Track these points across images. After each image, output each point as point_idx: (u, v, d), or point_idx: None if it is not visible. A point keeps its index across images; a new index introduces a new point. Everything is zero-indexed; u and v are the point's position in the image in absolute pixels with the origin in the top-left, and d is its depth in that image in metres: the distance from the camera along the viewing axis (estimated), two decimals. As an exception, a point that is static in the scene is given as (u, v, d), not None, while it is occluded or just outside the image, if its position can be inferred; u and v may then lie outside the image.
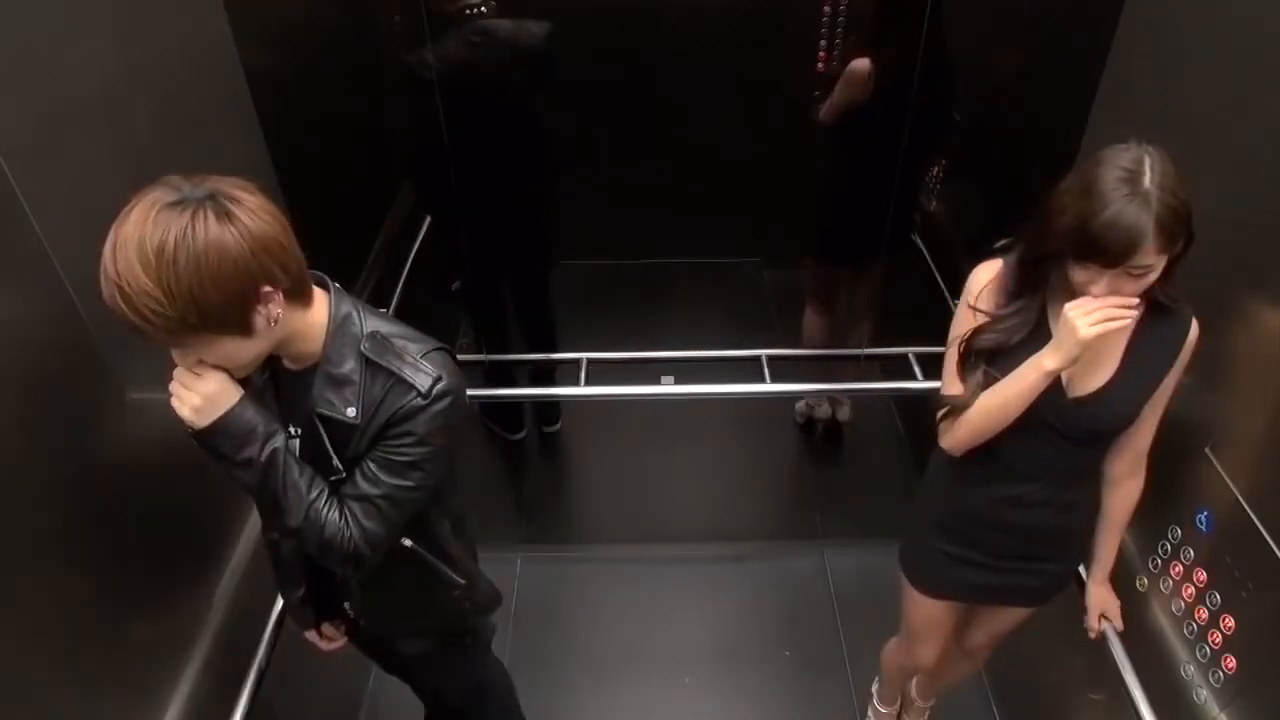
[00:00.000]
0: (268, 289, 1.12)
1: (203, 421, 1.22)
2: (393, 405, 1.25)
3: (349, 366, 1.26)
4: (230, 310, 1.10)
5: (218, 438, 1.23)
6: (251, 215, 1.09)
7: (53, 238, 1.29)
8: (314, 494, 1.30)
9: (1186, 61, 1.71)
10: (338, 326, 1.27)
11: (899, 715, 2.45)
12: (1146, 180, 1.27)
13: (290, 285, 1.17)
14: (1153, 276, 1.33)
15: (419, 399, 1.25)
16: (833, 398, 3.24)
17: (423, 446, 1.28)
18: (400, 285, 2.57)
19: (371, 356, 1.27)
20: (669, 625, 2.74)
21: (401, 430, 1.26)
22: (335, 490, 1.32)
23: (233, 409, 1.22)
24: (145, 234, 1.04)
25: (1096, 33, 1.94)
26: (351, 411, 1.26)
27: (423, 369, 1.26)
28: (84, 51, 1.40)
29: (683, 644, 2.69)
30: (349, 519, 1.31)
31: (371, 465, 1.30)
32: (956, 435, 1.57)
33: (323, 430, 1.29)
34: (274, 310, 1.15)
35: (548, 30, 2.42)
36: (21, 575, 1.28)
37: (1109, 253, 1.28)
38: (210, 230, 1.05)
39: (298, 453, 1.34)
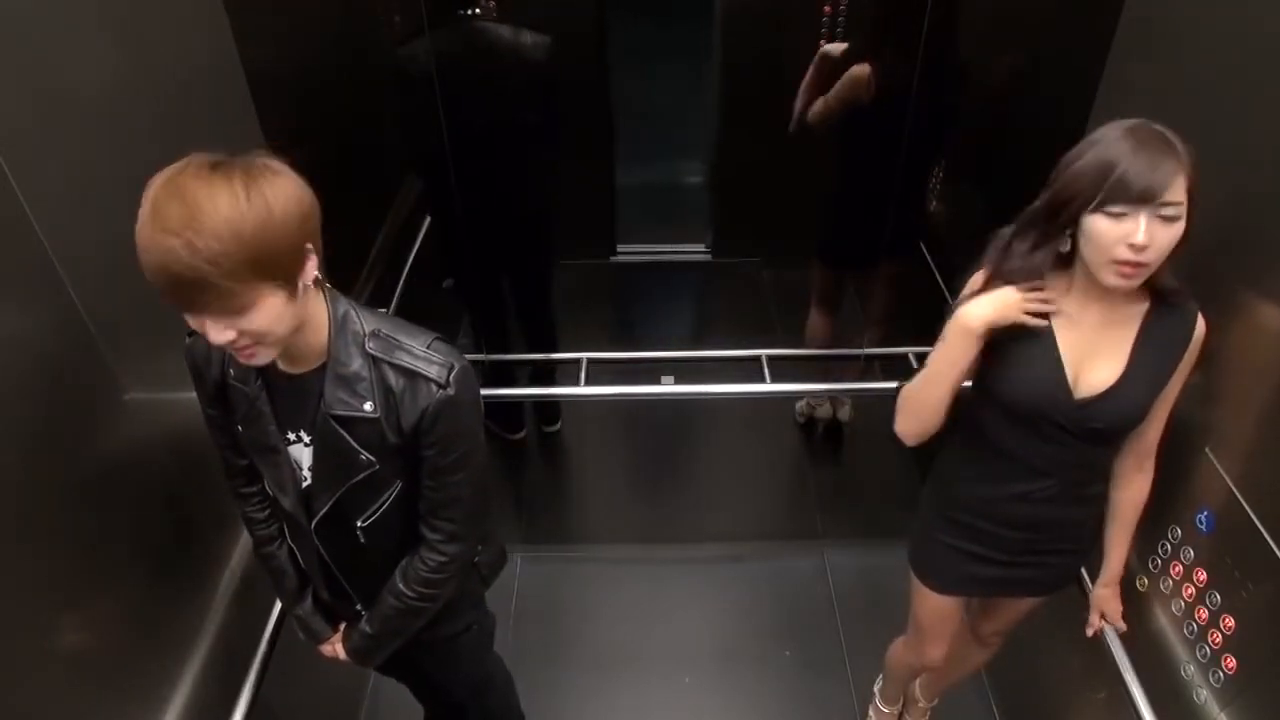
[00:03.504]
0: (309, 246, 1.14)
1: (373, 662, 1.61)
2: (418, 403, 1.27)
3: (357, 364, 1.27)
4: (288, 257, 1.10)
5: (386, 649, 1.57)
6: (293, 177, 1.13)
7: (53, 238, 1.29)
8: (410, 593, 1.45)
9: (1186, 62, 1.72)
10: (339, 325, 1.28)
11: (901, 715, 2.45)
12: (1157, 125, 1.31)
13: (319, 256, 1.18)
14: (1179, 228, 1.31)
15: (440, 390, 1.27)
16: (833, 397, 3.24)
17: (467, 431, 1.34)
18: (400, 285, 2.57)
19: (379, 355, 1.28)
20: (669, 625, 2.74)
21: (441, 429, 1.29)
22: (378, 479, 1.34)
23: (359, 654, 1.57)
24: (204, 179, 1.04)
25: (1096, 33, 1.94)
26: (369, 406, 1.27)
27: (433, 359, 1.29)
28: (84, 51, 1.40)
29: (683, 644, 2.69)
30: (440, 541, 1.42)
31: (436, 473, 1.35)
32: (900, 416, 1.62)
33: (342, 430, 1.29)
34: (311, 272, 1.16)
35: (548, 44, 2.42)
36: (21, 575, 1.28)
37: (1143, 183, 1.28)
38: (270, 175, 1.08)
39: (311, 459, 1.34)
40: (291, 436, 1.34)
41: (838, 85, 2.41)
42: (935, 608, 1.91)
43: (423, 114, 2.28)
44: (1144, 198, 1.28)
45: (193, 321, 1.11)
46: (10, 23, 1.23)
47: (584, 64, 2.82)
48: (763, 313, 3.46)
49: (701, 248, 3.62)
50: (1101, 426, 1.51)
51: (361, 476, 1.33)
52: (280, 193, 1.08)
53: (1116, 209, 1.30)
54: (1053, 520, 1.66)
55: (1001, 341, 1.50)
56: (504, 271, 2.95)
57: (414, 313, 2.52)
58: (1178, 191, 1.28)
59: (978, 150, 2.56)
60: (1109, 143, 1.32)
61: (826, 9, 2.47)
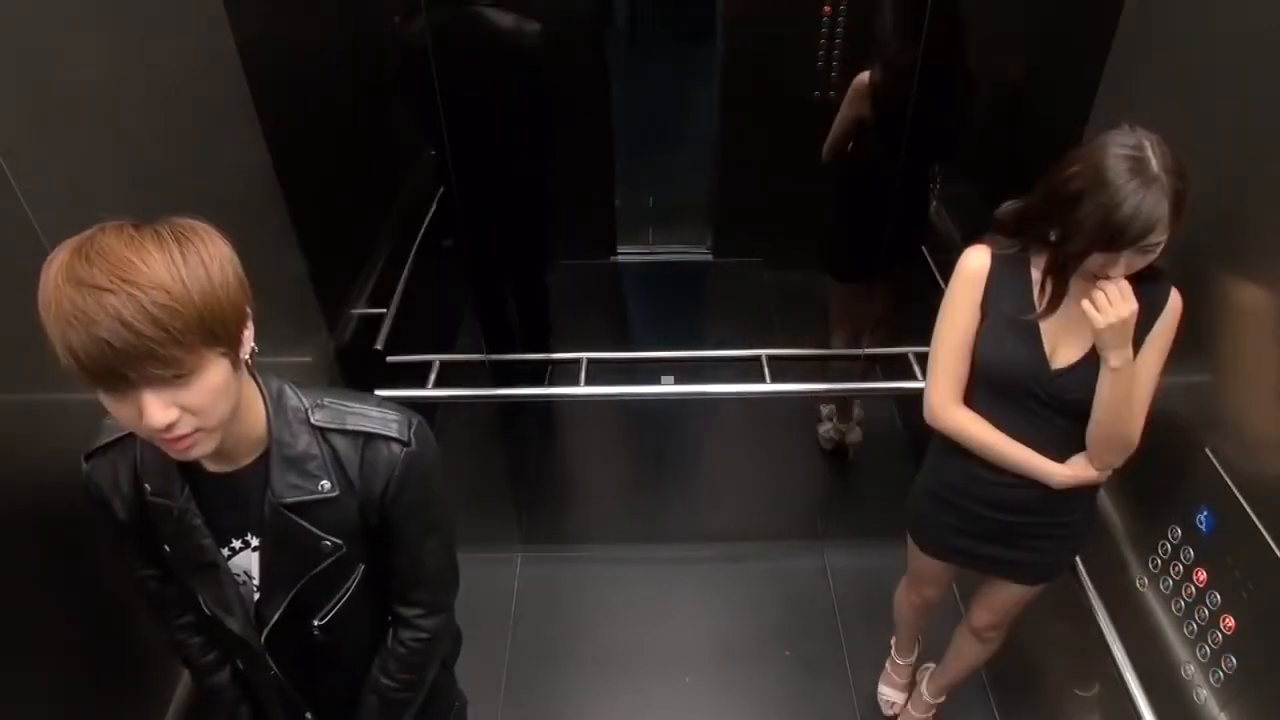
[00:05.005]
0: (248, 310, 1.01)
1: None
2: (381, 466, 1.16)
3: (304, 442, 1.14)
4: (233, 318, 0.97)
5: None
6: (223, 240, 0.98)
7: (53, 238, 1.29)
8: (395, 683, 1.34)
9: (1186, 62, 1.71)
10: (276, 403, 1.14)
11: (906, 705, 2.46)
12: (1154, 165, 1.33)
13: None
14: (1157, 252, 1.40)
15: (404, 448, 1.17)
16: (842, 420, 3.21)
17: (436, 491, 1.25)
18: (401, 284, 2.57)
19: (328, 425, 1.16)
20: (669, 625, 2.74)
21: (410, 493, 1.19)
22: (342, 564, 1.21)
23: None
24: (127, 239, 0.90)
25: (1096, 33, 1.94)
26: (326, 485, 1.15)
27: (389, 417, 1.18)
28: (84, 50, 1.39)
29: (683, 644, 2.69)
30: (419, 617, 1.31)
31: (408, 543, 1.24)
32: (958, 430, 1.67)
33: (298, 519, 1.15)
34: (249, 336, 1.03)
35: (538, 31, 2.44)
36: (21, 575, 1.28)
37: (1132, 239, 1.35)
38: (200, 234, 0.95)
39: (259, 564, 1.20)
40: (236, 544, 1.19)
41: (844, 102, 2.42)
42: (923, 560, 2.01)
43: (422, 95, 2.27)
44: (1134, 243, 1.36)
45: (120, 406, 0.94)
46: (10, 22, 1.23)
47: (583, 59, 2.82)
48: (763, 313, 3.46)
49: (703, 249, 3.63)
50: (1077, 396, 1.56)
51: (323, 566, 1.19)
52: (215, 251, 0.95)
53: (1103, 256, 1.40)
54: (1032, 504, 1.70)
55: (992, 322, 1.59)
56: (501, 256, 2.96)
57: (414, 312, 2.53)
58: (1163, 231, 1.36)
59: (978, 150, 2.56)
60: (1113, 186, 1.34)
61: (826, 9, 2.47)
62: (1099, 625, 1.90)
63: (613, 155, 3.15)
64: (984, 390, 1.65)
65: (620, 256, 3.56)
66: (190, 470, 1.13)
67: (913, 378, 2.39)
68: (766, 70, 2.82)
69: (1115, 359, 1.46)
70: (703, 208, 3.52)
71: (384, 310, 2.44)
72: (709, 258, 3.57)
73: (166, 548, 1.18)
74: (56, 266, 0.90)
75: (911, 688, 2.48)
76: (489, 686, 2.53)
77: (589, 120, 2.97)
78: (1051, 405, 1.59)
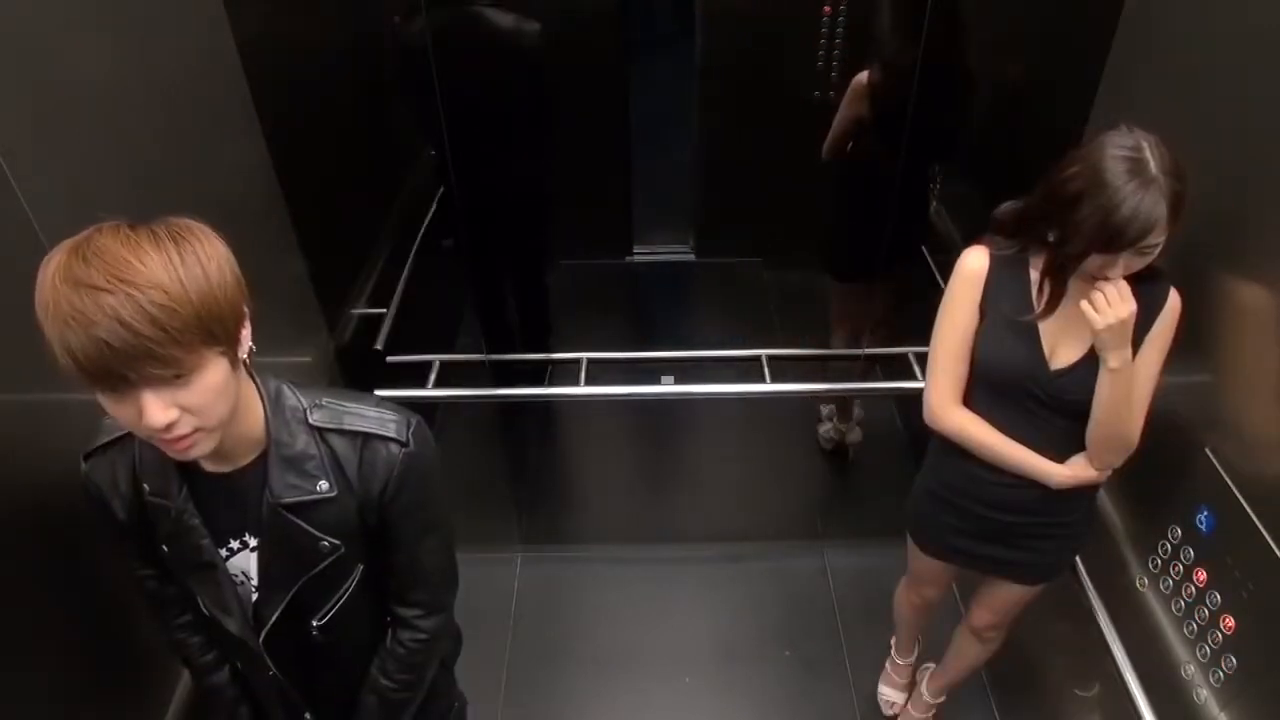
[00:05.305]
0: (246, 310, 1.01)
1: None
2: (379, 466, 1.16)
3: (302, 442, 1.14)
4: (230, 317, 0.97)
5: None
6: (219, 239, 0.98)
7: (53, 238, 1.29)
8: (394, 684, 1.34)
9: (1186, 62, 1.71)
10: (274, 403, 1.14)
11: (906, 705, 2.46)
12: (1153, 166, 1.33)
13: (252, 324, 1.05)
14: (1155, 254, 1.40)
15: (402, 449, 1.17)
16: (842, 420, 3.21)
17: (435, 491, 1.25)
18: (401, 284, 2.57)
19: (328, 426, 1.16)
20: (669, 625, 2.74)
21: (408, 494, 1.19)
22: (341, 565, 1.21)
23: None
24: (124, 238, 0.90)
25: (1096, 34, 1.94)
26: (324, 485, 1.15)
27: (387, 418, 1.18)
28: (84, 50, 1.40)
29: (683, 644, 2.69)
30: (418, 617, 1.31)
31: (407, 544, 1.24)
32: (957, 431, 1.67)
33: (297, 519, 1.15)
34: (247, 336, 1.03)
35: (538, 31, 2.44)
36: (21, 575, 1.28)
37: (1130, 240, 1.35)
38: (197, 234, 0.95)
39: (257, 564, 1.20)
40: (234, 544, 1.19)
41: (844, 102, 2.42)
42: (922, 560, 2.01)
43: (422, 95, 2.27)
44: (1132, 244, 1.36)
45: (120, 406, 0.94)
46: (10, 22, 1.23)
47: (594, 58, 2.82)
48: (763, 313, 3.47)
49: (686, 249, 3.64)
50: (1077, 397, 1.56)
51: (322, 567, 1.19)
52: (212, 251, 0.95)
53: (1102, 258, 1.40)
54: (1032, 504, 1.70)
55: (991, 322, 1.59)
56: (501, 256, 2.96)
57: (414, 313, 2.53)
58: (1161, 233, 1.36)
59: (978, 150, 2.56)
60: (1111, 187, 1.34)
61: (826, 9, 2.47)
62: (1099, 625, 1.90)
63: (630, 155, 3.14)
64: (983, 390, 1.65)
65: (636, 256, 3.56)
66: (188, 470, 1.13)
67: (913, 378, 2.39)
68: (766, 70, 2.83)
69: (1114, 359, 1.46)
70: (705, 208, 3.53)
71: (384, 310, 2.44)
72: (692, 258, 3.59)
73: (165, 548, 1.18)
74: (54, 267, 0.90)
75: (911, 688, 2.48)
76: (489, 686, 2.53)
77: (604, 120, 2.97)
78: (1051, 405, 1.59)
